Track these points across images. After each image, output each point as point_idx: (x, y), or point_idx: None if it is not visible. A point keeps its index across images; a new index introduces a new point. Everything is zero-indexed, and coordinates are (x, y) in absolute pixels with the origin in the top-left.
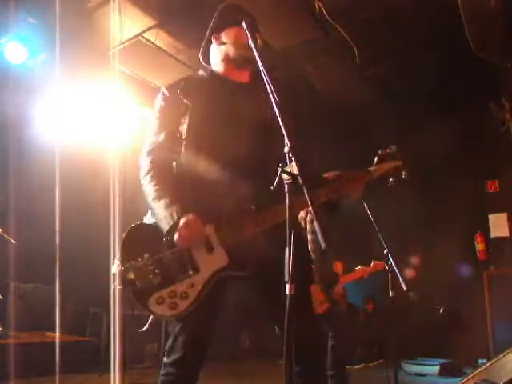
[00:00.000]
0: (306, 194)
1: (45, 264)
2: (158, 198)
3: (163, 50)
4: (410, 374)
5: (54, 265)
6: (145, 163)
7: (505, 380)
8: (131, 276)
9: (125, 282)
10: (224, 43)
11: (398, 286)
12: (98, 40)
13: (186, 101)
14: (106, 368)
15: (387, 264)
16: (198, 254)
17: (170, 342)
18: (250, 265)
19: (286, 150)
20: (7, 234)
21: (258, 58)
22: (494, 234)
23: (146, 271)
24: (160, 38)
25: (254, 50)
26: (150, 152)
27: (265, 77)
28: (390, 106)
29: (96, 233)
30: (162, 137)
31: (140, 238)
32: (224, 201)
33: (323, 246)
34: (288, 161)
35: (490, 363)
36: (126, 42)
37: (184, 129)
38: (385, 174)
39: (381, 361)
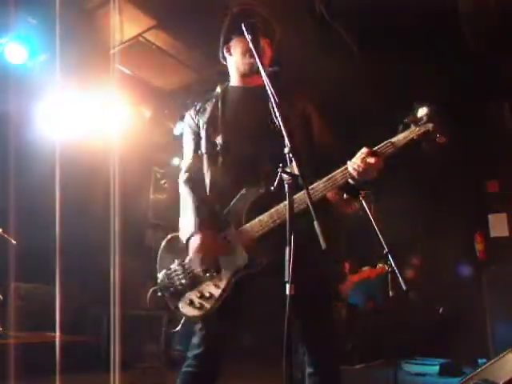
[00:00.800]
0: (307, 195)
1: (45, 264)
2: (184, 210)
3: (163, 50)
4: (410, 373)
5: (54, 265)
6: (182, 181)
7: (504, 380)
8: (165, 282)
9: (162, 288)
10: (233, 54)
11: (398, 286)
12: (98, 40)
13: (201, 121)
14: (106, 368)
15: (387, 264)
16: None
17: (195, 338)
18: (268, 263)
19: (286, 150)
20: (7, 234)
21: (258, 63)
22: (493, 233)
23: (175, 276)
24: (160, 39)
25: (255, 54)
26: (185, 174)
27: (266, 81)
28: (390, 106)
29: (96, 233)
30: (190, 158)
31: (173, 247)
32: (241, 204)
33: (323, 246)
34: (289, 161)
35: (489, 363)
36: (125, 42)
37: (203, 145)
38: (410, 142)
39: (381, 361)
